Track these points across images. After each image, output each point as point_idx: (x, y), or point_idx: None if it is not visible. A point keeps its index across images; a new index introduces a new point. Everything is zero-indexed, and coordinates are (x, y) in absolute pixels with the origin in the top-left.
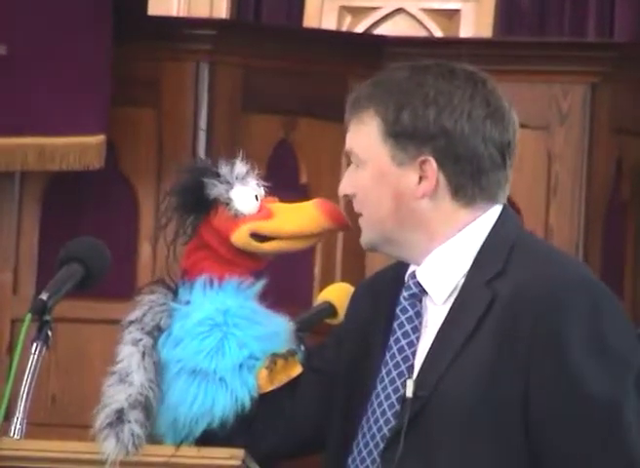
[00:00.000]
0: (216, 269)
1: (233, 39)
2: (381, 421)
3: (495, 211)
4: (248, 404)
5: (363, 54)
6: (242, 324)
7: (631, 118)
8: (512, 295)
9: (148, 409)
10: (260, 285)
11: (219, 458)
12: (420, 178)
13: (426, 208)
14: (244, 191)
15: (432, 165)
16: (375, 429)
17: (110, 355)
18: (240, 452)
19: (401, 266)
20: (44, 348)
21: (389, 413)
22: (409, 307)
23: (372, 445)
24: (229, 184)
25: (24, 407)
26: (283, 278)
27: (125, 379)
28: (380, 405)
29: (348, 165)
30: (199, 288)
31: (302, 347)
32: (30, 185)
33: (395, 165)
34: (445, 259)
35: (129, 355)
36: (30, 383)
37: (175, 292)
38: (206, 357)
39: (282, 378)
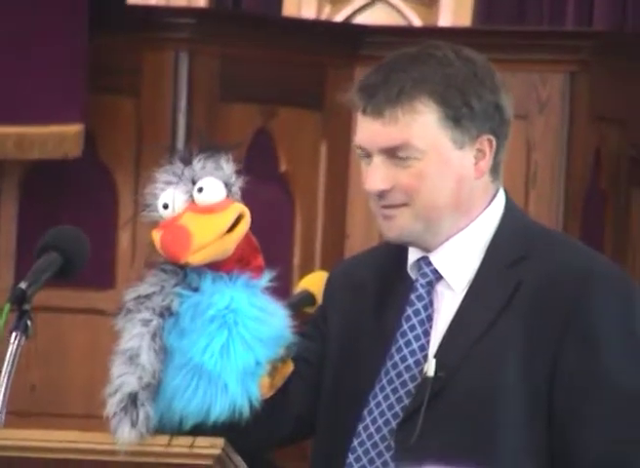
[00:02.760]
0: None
1: (212, 28)
2: (397, 408)
3: (502, 192)
4: (247, 413)
5: (342, 43)
6: (250, 325)
7: (610, 107)
8: (541, 282)
9: (155, 392)
10: (267, 278)
11: (198, 447)
12: (475, 159)
13: (479, 187)
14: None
15: (492, 143)
16: (389, 415)
17: (90, 343)
18: (220, 441)
19: (380, 253)
20: (23, 338)
21: (406, 401)
22: (425, 295)
23: (386, 430)
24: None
25: (4, 396)
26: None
27: (134, 361)
28: (394, 391)
29: (367, 159)
30: (209, 276)
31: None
32: (8, 175)
33: (457, 148)
34: (461, 245)
35: (138, 335)
36: (10, 373)
37: (184, 275)
38: (211, 357)
39: (279, 380)
